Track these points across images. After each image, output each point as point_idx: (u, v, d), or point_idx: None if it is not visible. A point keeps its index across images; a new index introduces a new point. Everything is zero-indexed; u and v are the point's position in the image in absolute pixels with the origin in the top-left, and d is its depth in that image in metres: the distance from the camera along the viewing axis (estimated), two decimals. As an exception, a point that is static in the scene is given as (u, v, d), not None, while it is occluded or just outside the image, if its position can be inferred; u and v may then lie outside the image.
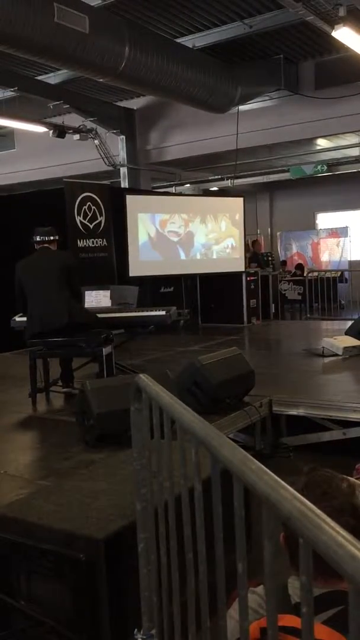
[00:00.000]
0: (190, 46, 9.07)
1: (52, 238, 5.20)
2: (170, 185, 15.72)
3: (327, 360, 6.43)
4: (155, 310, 5.87)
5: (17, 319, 5.61)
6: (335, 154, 13.39)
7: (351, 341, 6.65)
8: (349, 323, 7.95)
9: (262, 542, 0.94)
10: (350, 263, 16.04)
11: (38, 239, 5.16)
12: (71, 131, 10.96)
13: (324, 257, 16.84)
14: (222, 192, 16.36)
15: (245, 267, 10.22)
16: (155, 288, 9.96)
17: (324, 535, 0.77)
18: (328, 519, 0.80)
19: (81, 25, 6.81)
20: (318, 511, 0.82)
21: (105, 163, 11.98)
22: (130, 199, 9.11)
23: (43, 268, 5.02)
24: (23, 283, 5.03)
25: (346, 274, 14.78)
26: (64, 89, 10.65)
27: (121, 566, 2.32)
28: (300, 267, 15.52)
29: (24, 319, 5.41)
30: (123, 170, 12.33)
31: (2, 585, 2.50)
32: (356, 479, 1.54)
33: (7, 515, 2.62)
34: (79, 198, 8.65)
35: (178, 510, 1.54)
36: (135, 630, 1.92)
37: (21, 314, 5.51)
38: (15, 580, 2.49)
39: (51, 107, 10.51)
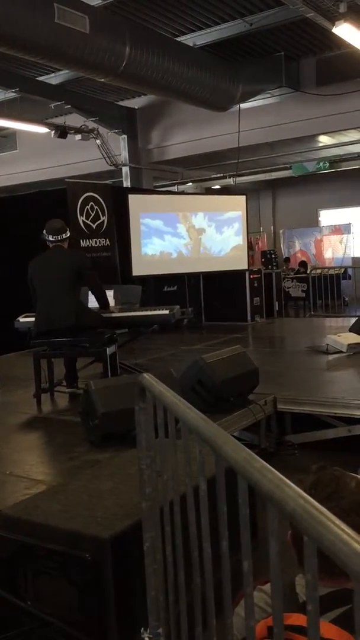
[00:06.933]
0: (191, 45, 9.06)
1: (64, 237, 5.16)
2: (173, 184, 15.72)
3: (331, 357, 6.42)
4: (159, 310, 5.87)
5: (21, 319, 5.63)
6: (337, 150, 13.36)
7: (355, 338, 6.63)
8: (353, 320, 7.92)
9: (268, 540, 0.94)
10: (354, 260, 16.01)
11: (51, 238, 5.11)
12: (73, 131, 10.97)
13: (327, 254, 16.82)
14: (225, 191, 16.35)
15: (249, 266, 10.21)
16: (159, 287, 9.96)
17: (328, 533, 0.77)
18: (333, 517, 0.80)
19: (82, 26, 6.82)
20: (322, 509, 0.82)
21: (107, 163, 11.98)
22: (132, 199, 9.11)
23: (54, 268, 5.02)
24: (34, 282, 5.05)
25: (349, 271, 14.75)
26: (65, 89, 10.66)
27: (127, 565, 2.32)
28: (303, 264, 15.50)
29: (28, 319, 5.42)
30: (125, 170, 12.34)
31: (9, 585, 2.51)
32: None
33: (13, 515, 2.63)
34: (82, 198, 8.66)
35: (183, 509, 1.54)
36: (142, 629, 1.93)
37: (25, 314, 5.53)
38: (22, 581, 2.49)
39: (52, 107, 10.52)
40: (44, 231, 5.14)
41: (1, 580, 2.53)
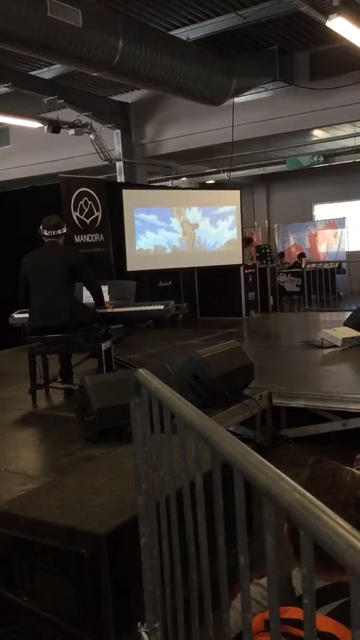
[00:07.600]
0: (185, 38, 9.03)
1: (59, 232, 5.13)
2: (167, 179, 15.69)
3: (326, 351, 6.43)
4: (154, 305, 5.86)
5: (16, 315, 5.60)
6: (331, 144, 13.36)
7: (350, 332, 6.65)
8: (347, 314, 7.95)
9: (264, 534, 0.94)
10: (348, 254, 16.03)
11: (46, 233, 5.08)
12: (66, 126, 10.92)
13: (322, 249, 16.82)
14: (219, 185, 16.32)
15: (243, 260, 10.21)
16: (154, 282, 9.95)
17: (324, 526, 0.77)
18: (328, 511, 0.80)
19: (74, 20, 6.78)
20: (318, 503, 0.82)
21: (101, 158, 11.94)
22: (126, 194, 9.09)
23: (49, 265, 5.00)
24: (29, 277, 5.03)
25: (344, 265, 14.76)
26: (58, 83, 10.61)
27: (123, 561, 2.32)
28: (301, 257, 15.48)
29: (22, 315, 5.40)
30: (119, 165, 12.31)
31: (5, 582, 2.51)
32: (356, 469, 1.54)
33: (8, 511, 2.63)
34: (75, 193, 8.63)
35: (179, 504, 1.54)
36: (139, 624, 1.93)
37: (20, 310, 5.50)
38: (18, 577, 2.49)
39: (45, 102, 10.47)
40: (40, 226, 5.13)
41: (-3, 577, 2.53)
